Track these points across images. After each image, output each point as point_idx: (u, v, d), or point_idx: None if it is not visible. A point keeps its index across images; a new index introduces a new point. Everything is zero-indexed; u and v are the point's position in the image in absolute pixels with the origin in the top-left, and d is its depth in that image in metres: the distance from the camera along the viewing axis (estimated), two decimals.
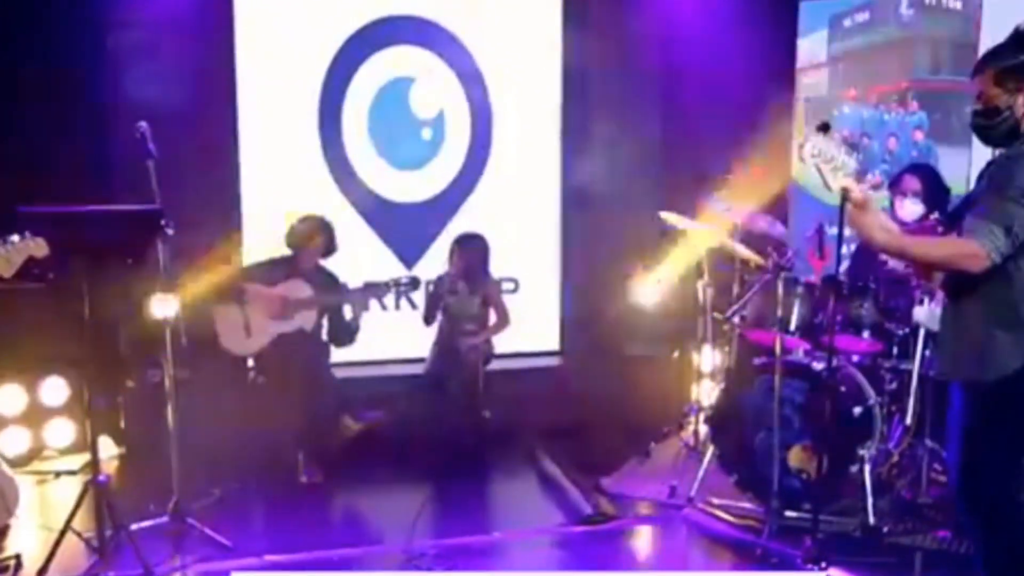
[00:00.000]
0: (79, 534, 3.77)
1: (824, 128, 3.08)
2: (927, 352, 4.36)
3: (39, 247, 3.41)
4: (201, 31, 5.58)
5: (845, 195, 2.99)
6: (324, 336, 5.11)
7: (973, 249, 2.82)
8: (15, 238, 3.38)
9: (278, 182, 5.94)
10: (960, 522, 3.54)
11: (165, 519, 4.02)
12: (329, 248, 5.08)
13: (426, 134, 6.33)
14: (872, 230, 2.96)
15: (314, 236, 5.02)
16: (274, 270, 5.04)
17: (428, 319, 5.50)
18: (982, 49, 4.70)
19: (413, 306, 5.45)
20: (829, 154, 2.99)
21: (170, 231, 3.78)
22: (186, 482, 4.09)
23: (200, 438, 4.47)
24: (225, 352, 4.96)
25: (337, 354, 5.25)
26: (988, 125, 3.00)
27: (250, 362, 5.08)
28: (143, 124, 3.83)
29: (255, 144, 5.91)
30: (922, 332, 4.30)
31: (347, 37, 6.09)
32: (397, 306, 5.88)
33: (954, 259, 2.88)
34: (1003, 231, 2.81)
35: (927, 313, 4.18)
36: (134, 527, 3.87)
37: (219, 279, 4.81)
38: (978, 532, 3.11)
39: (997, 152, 3.06)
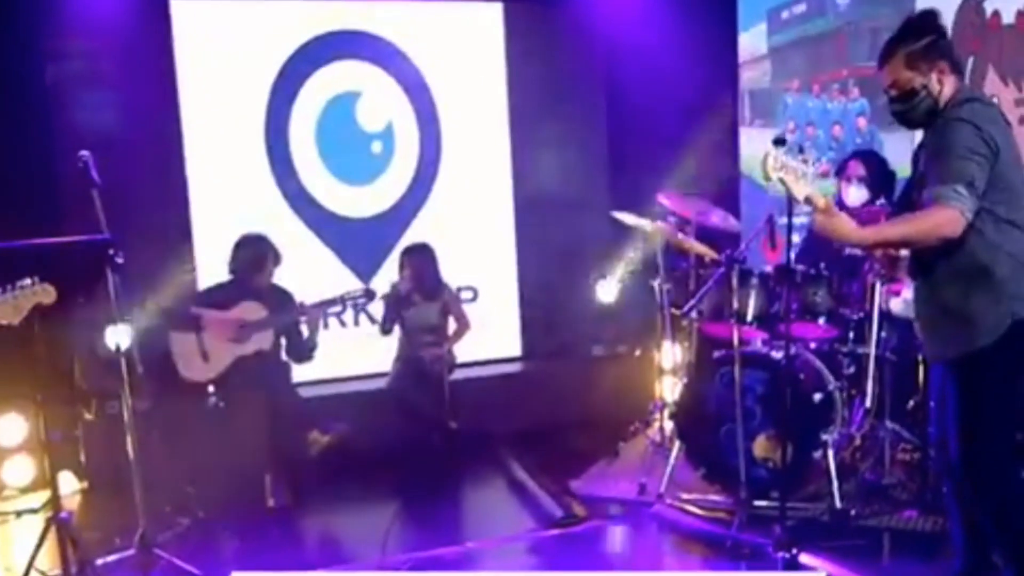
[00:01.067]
0: (44, 573, 3.70)
1: (780, 142, 3.12)
2: (883, 334, 4.42)
3: (47, 293, 3.33)
4: (141, 57, 5.53)
5: (810, 203, 3.02)
6: (283, 355, 5.07)
7: (947, 214, 2.84)
8: (26, 282, 3.30)
9: (228, 204, 5.91)
10: (936, 500, 3.55)
11: (132, 552, 3.94)
12: (276, 262, 5.05)
13: (376, 147, 6.31)
14: (845, 231, 2.99)
15: (262, 258, 4.98)
16: (226, 292, 4.99)
17: (385, 328, 5.46)
18: None
19: (372, 321, 5.42)
20: (791, 165, 3.02)
21: (120, 260, 3.72)
22: (152, 513, 4.02)
23: (164, 467, 4.42)
24: (183, 379, 4.90)
25: (299, 372, 5.21)
26: (907, 109, 3.06)
27: (210, 388, 5.02)
28: (85, 153, 3.75)
29: (203, 167, 5.87)
30: (876, 314, 4.35)
31: (290, 54, 6.06)
32: (356, 322, 5.85)
33: (933, 229, 2.88)
34: (965, 187, 2.84)
35: (902, 304, 4.23)
36: (100, 562, 3.80)
37: (173, 306, 4.76)
38: (967, 507, 3.14)
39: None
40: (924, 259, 3.04)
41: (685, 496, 4.52)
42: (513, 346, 6.63)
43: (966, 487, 3.08)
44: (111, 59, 5.38)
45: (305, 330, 5.00)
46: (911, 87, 3.03)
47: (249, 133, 5.98)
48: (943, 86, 3.03)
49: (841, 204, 4.72)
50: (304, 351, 5.05)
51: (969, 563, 3.22)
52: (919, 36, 3.04)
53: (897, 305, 4.30)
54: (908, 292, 3.67)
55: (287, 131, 6.09)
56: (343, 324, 5.99)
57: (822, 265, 4.51)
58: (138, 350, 3.99)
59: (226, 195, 5.94)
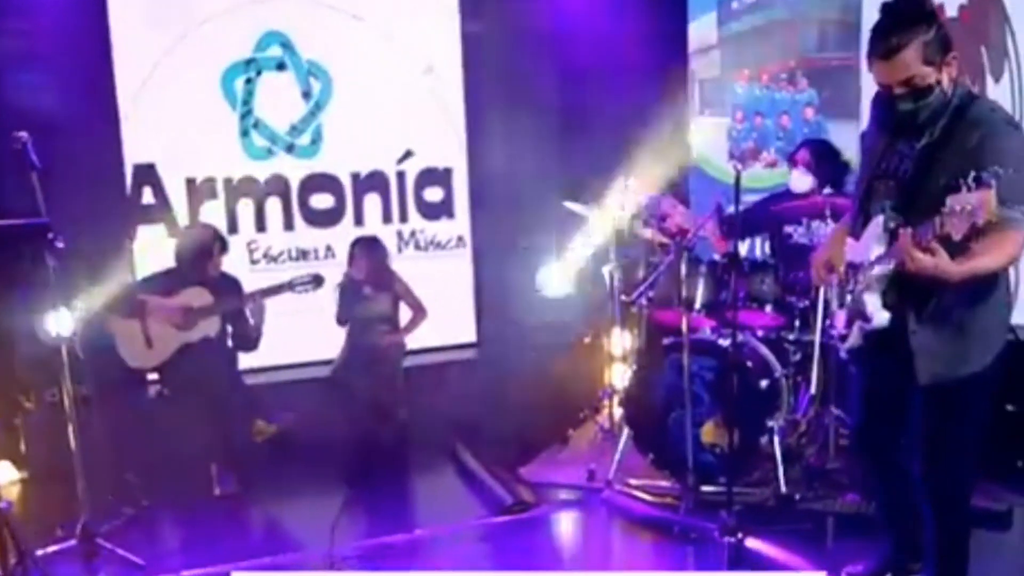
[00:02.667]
0: None
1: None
2: (827, 322, 4.47)
3: None
4: (77, 37, 5.40)
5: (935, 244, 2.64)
6: (229, 342, 5.00)
7: (1021, 240, 2.67)
8: None
9: (169, 187, 5.83)
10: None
11: (74, 542, 3.88)
12: (223, 250, 5.00)
13: (328, 131, 6.22)
14: (948, 268, 2.65)
15: (208, 246, 4.92)
16: (171, 279, 4.91)
17: (341, 319, 5.43)
18: (866, 25, 4.82)
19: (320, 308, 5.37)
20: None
21: (59, 244, 3.64)
22: (94, 503, 3.97)
23: (107, 456, 4.34)
24: (127, 366, 4.81)
25: (245, 360, 5.15)
26: (920, 107, 2.75)
27: (154, 375, 4.94)
28: (23, 134, 3.66)
29: (141, 149, 5.76)
30: (821, 302, 4.40)
31: (232, 38, 5.93)
32: (304, 308, 5.77)
33: (1012, 258, 2.72)
34: None
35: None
36: (41, 553, 3.74)
37: (115, 291, 4.68)
38: (895, 495, 3.20)
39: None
40: (930, 280, 2.73)
41: (634, 482, 4.55)
42: (466, 333, 6.61)
43: (925, 499, 3.03)
44: (47, 40, 5.25)
45: (251, 318, 4.94)
46: (927, 83, 2.71)
47: (188, 116, 5.84)
48: (952, 82, 2.77)
49: (788, 190, 4.80)
50: (250, 339, 4.99)
51: (897, 548, 3.28)
52: (927, 26, 2.71)
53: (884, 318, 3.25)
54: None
55: (229, 113, 5.98)
56: (290, 311, 5.92)
57: (768, 252, 4.56)
58: (79, 337, 3.92)
59: (167, 179, 5.84)
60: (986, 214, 2.47)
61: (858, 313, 2.99)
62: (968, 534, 3.04)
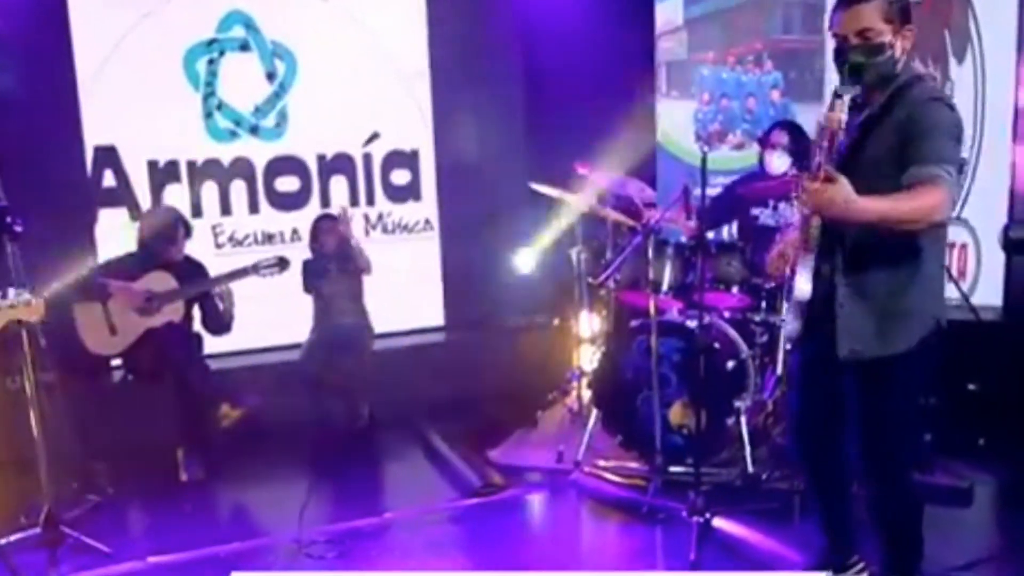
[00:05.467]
0: None
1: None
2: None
3: (33, 311, 3.17)
4: (34, 18, 5.27)
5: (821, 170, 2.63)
6: (196, 326, 4.95)
7: (942, 196, 2.60)
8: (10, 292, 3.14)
9: (131, 170, 5.74)
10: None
11: (38, 530, 3.84)
12: (187, 234, 4.94)
13: (293, 109, 6.15)
14: (856, 199, 2.58)
15: (172, 230, 4.87)
16: (134, 263, 4.85)
17: (307, 287, 5.39)
18: (831, 8, 4.84)
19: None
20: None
21: (18, 228, 3.58)
22: (59, 490, 3.94)
23: (70, 443, 4.29)
24: (90, 353, 4.75)
25: (211, 344, 5.10)
26: (869, 64, 2.73)
27: (117, 361, 4.88)
28: None
29: (102, 131, 5.65)
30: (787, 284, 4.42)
31: (193, 11, 5.83)
32: (268, 292, 5.74)
33: (930, 212, 2.60)
34: (956, 171, 2.66)
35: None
36: (4, 541, 3.70)
37: (76, 276, 4.61)
38: (829, 496, 3.20)
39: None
40: (860, 244, 2.77)
41: (602, 463, 4.57)
42: (435, 316, 6.60)
43: (869, 487, 3.03)
44: (3, 18, 5.13)
45: (220, 302, 4.89)
46: (879, 41, 2.73)
47: (150, 97, 5.73)
48: (904, 55, 2.79)
49: (763, 172, 4.80)
50: (221, 323, 4.95)
51: (832, 545, 3.26)
52: None
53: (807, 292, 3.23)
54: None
55: (192, 94, 5.89)
56: (256, 295, 5.87)
57: (735, 234, 4.57)
58: (41, 322, 3.85)
59: (129, 161, 5.74)
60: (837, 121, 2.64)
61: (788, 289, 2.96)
62: (918, 513, 3.03)
